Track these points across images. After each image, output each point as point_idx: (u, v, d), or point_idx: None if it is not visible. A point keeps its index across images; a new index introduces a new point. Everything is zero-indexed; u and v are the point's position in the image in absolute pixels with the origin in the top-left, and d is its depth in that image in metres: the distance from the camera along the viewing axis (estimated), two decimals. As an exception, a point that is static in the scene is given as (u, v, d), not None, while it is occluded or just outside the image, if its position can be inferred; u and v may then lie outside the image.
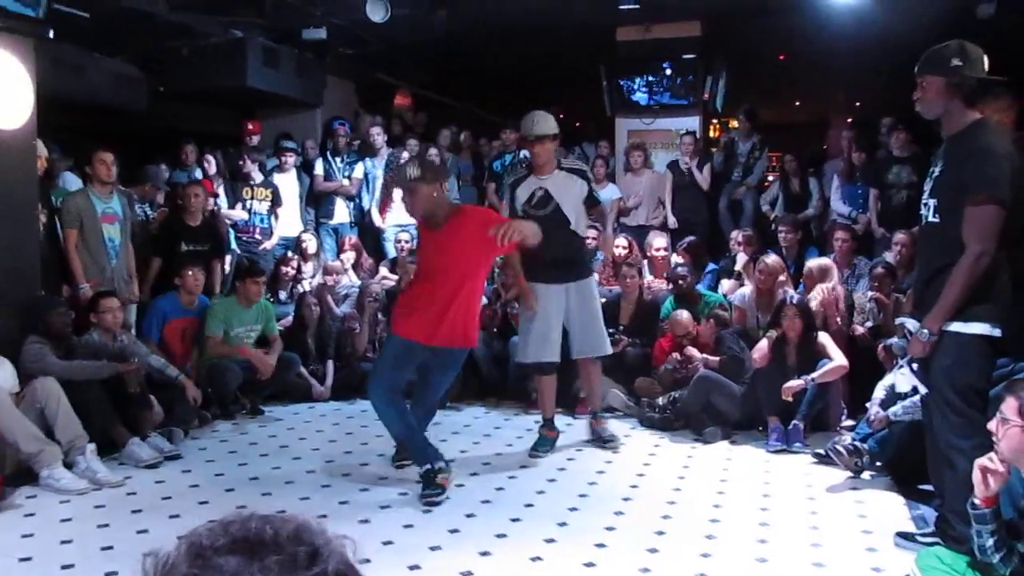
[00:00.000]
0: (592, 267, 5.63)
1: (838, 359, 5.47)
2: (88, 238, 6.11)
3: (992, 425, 2.75)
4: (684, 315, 6.27)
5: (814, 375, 5.41)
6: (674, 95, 9.48)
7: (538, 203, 5.25)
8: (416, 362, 4.68)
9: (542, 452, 5.34)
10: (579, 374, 5.75)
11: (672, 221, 8.63)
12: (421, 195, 4.47)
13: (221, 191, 8.17)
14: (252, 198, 8.14)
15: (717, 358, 5.91)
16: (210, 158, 8.35)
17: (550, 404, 5.53)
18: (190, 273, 6.39)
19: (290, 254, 8.01)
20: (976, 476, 2.75)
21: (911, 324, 3.61)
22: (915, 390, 4.52)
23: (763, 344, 5.60)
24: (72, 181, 7.04)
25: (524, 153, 8.53)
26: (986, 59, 3.47)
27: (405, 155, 8.58)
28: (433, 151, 8.88)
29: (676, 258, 7.84)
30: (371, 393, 4.65)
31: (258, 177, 8.25)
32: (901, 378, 4.93)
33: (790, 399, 5.40)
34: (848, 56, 9.68)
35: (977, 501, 2.78)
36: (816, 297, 6.08)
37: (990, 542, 2.76)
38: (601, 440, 5.51)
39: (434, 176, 4.54)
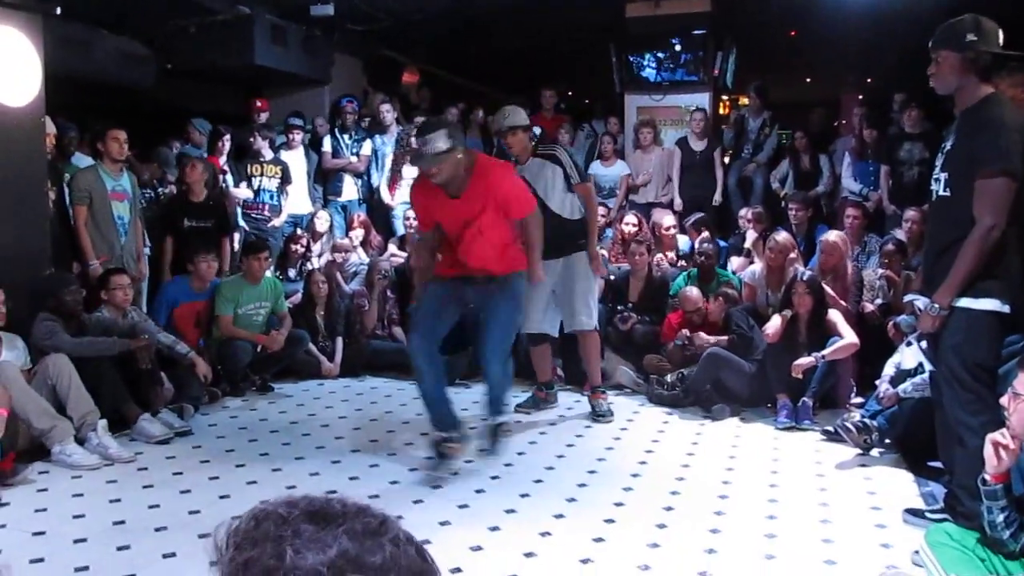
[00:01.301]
0: (586, 245, 5.63)
1: (849, 337, 5.45)
2: (98, 216, 6.12)
3: (1004, 400, 2.74)
4: (693, 291, 6.26)
5: (824, 352, 5.40)
6: (684, 71, 9.42)
7: None
8: (455, 305, 4.66)
9: (525, 410, 5.68)
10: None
11: (678, 202, 8.60)
12: (450, 163, 4.28)
13: (227, 169, 8.15)
14: (261, 175, 8.12)
15: (725, 338, 5.91)
16: (227, 137, 8.33)
17: (542, 371, 5.85)
18: (203, 261, 6.37)
19: (299, 231, 8.02)
20: (988, 451, 2.74)
21: (920, 301, 3.60)
22: (921, 366, 4.53)
23: (776, 321, 5.59)
24: (82, 160, 7.03)
25: (534, 130, 8.52)
26: (1001, 34, 3.43)
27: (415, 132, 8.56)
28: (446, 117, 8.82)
29: (683, 237, 7.84)
30: (410, 348, 4.69)
31: (268, 154, 8.24)
32: (908, 354, 4.93)
33: (800, 376, 5.40)
34: (859, 32, 9.59)
35: (988, 477, 2.77)
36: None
37: (1000, 518, 2.76)
38: (593, 413, 5.61)
39: (459, 140, 4.36)
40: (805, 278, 5.67)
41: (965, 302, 3.38)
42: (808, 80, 14.23)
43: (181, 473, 4.54)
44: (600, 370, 5.89)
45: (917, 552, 3.21)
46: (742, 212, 7.93)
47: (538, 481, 4.41)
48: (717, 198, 8.63)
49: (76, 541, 3.64)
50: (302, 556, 0.82)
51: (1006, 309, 3.38)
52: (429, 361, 4.56)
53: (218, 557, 0.87)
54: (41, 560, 3.45)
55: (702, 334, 6.06)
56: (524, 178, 5.37)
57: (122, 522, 3.85)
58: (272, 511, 0.88)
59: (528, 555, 3.48)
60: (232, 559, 0.85)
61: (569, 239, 5.49)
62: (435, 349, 4.62)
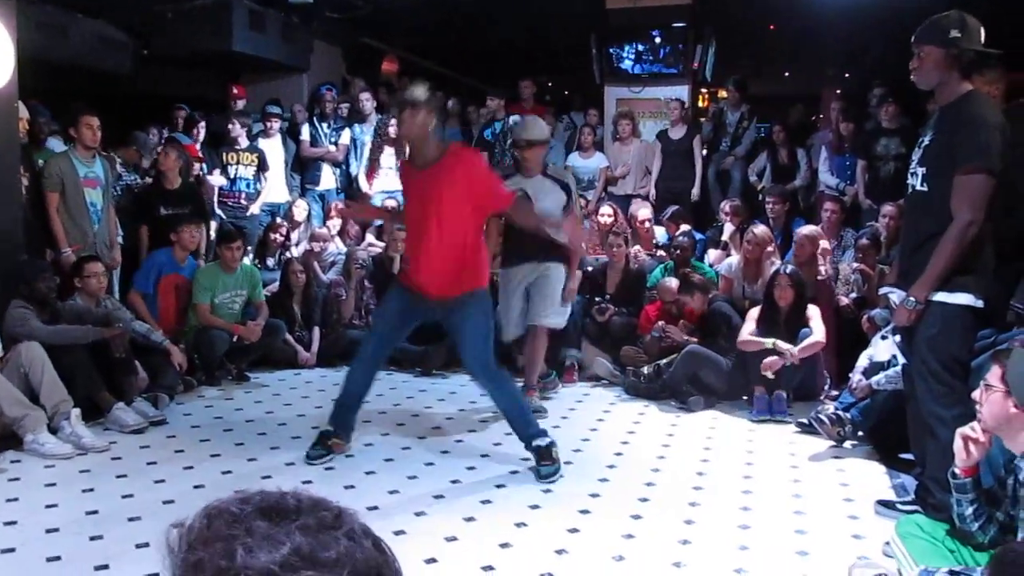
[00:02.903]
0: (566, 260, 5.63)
1: (817, 334, 5.45)
2: (70, 202, 6.05)
3: (976, 394, 2.77)
4: (672, 282, 6.28)
5: (794, 351, 5.39)
6: (663, 64, 9.43)
7: None
8: (416, 315, 4.60)
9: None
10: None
11: (652, 193, 8.62)
12: (419, 119, 4.25)
13: (202, 156, 8.10)
14: (238, 163, 8.07)
15: (694, 340, 5.92)
16: (202, 124, 8.28)
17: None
18: (186, 230, 6.41)
19: (279, 220, 7.97)
20: (958, 445, 2.77)
21: (895, 295, 3.63)
22: (894, 358, 4.57)
23: (750, 327, 5.60)
24: (56, 145, 6.95)
25: (514, 119, 8.51)
26: (983, 31, 3.46)
27: (394, 121, 8.56)
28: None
29: (660, 229, 7.87)
30: (362, 350, 4.66)
31: (244, 142, 8.18)
32: (881, 347, 4.97)
33: (771, 376, 5.40)
34: (838, 28, 9.64)
35: (957, 471, 2.80)
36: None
37: (969, 511, 2.79)
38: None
39: (435, 106, 4.37)
40: (788, 271, 5.69)
41: (941, 296, 3.41)
42: (787, 74, 14.31)
43: (155, 463, 4.51)
44: (537, 371, 5.72)
45: (888, 543, 3.25)
46: (720, 205, 7.96)
47: (514, 472, 4.41)
48: (695, 193, 8.63)
49: (48, 531, 3.61)
50: (254, 555, 0.81)
51: (980, 304, 3.42)
52: (369, 369, 4.59)
53: (171, 557, 0.86)
54: (12, 550, 3.43)
55: (677, 328, 6.07)
56: (526, 192, 5.36)
57: (95, 512, 3.82)
58: (225, 508, 0.87)
59: (503, 546, 3.49)
60: (184, 559, 0.84)
61: (551, 250, 5.41)
62: (383, 359, 4.65)
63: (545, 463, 4.36)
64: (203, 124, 8.31)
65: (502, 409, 4.58)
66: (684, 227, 7.44)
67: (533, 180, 5.43)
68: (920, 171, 3.54)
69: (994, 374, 2.68)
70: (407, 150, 4.42)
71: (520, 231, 5.27)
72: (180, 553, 0.85)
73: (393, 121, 8.50)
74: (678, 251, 6.77)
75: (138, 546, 3.44)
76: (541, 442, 4.42)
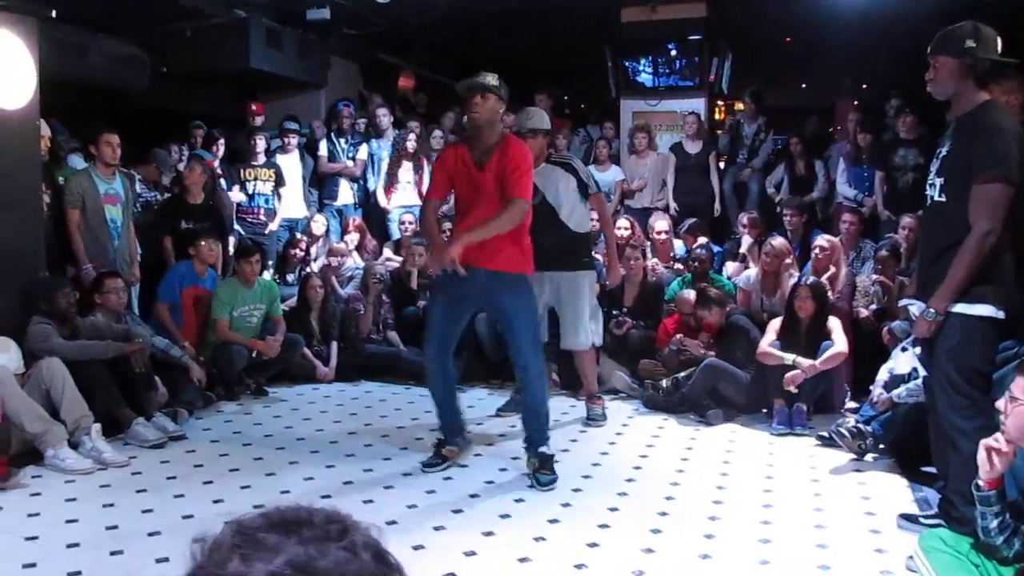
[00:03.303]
0: (590, 263, 5.70)
1: (839, 345, 5.43)
2: (90, 219, 6.11)
3: (1000, 404, 2.75)
4: (691, 294, 6.26)
5: (816, 363, 5.36)
6: (679, 76, 9.44)
7: None
8: (465, 305, 4.57)
9: (507, 414, 5.67)
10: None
11: (673, 206, 8.61)
12: (489, 104, 4.32)
13: (221, 172, 8.16)
14: (256, 179, 8.12)
15: (711, 353, 5.89)
16: (221, 141, 8.35)
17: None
18: (204, 243, 6.48)
19: (299, 236, 8.02)
20: (981, 456, 2.75)
21: (915, 306, 3.60)
22: (915, 371, 4.54)
23: (770, 338, 5.57)
24: (76, 162, 7.02)
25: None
26: (999, 41, 3.44)
27: (412, 136, 8.60)
28: (438, 133, 8.90)
29: (678, 242, 7.85)
30: (426, 354, 4.68)
31: (262, 158, 8.24)
32: (902, 359, 4.93)
33: (794, 390, 5.37)
34: (854, 38, 9.62)
35: (981, 483, 2.77)
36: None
37: (993, 524, 2.77)
38: (587, 417, 5.63)
39: (505, 100, 4.40)
40: (809, 282, 5.66)
41: (960, 307, 3.38)
42: (803, 86, 14.27)
43: (175, 477, 4.52)
44: (596, 377, 5.84)
45: (911, 557, 3.22)
46: (738, 217, 7.94)
47: (532, 486, 4.39)
48: (717, 207, 8.65)
49: (69, 546, 3.62)
50: (249, 564, 0.84)
51: (1000, 315, 3.39)
52: (443, 370, 4.61)
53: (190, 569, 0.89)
54: (33, 565, 3.44)
55: (695, 341, 6.05)
56: (534, 181, 5.38)
57: (115, 527, 3.83)
58: (241, 521, 0.91)
59: (522, 560, 3.48)
60: (189, 571, 0.88)
61: (572, 253, 5.46)
62: (450, 357, 4.66)
63: (546, 471, 4.43)
64: (222, 141, 8.38)
65: (528, 402, 4.59)
66: (702, 239, 7.43)
67: (539, 170, 5.34)
68: (938, 182, 3.52)
69: (1018, 386, 2.66)
70: (465, 134, 4.41)
71: (540, 235, 5.14)
72: (195, 565, 0.88)
73: (411, 136, 8.57)
74: (696, 264, 6.76)
75: (158, 561, 3.45)
76: (547, 450, 4.51)
